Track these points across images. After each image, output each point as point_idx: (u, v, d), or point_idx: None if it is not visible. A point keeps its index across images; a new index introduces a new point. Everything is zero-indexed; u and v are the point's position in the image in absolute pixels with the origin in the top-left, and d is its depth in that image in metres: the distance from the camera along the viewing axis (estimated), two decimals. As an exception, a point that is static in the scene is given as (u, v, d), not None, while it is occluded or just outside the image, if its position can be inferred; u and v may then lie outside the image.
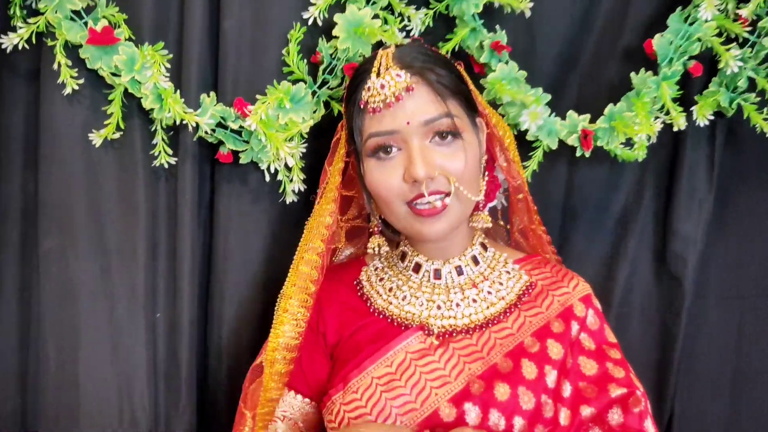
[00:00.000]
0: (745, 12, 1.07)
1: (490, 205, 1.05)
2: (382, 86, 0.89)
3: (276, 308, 1.00)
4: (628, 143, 1.14)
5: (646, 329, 1.26)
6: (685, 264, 1.21)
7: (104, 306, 1.08)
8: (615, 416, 0.92)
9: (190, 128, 1.05)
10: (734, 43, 1.10)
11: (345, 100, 0.97)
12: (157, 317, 1.10)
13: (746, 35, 1.10)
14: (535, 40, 1.16)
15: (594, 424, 0.92)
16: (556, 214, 1.23)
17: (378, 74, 0.91)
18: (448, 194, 0.90)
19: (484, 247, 1.01)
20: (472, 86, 0.98)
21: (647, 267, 1.25)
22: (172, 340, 1.10)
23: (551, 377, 0.92)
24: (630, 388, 0.93)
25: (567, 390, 0.92)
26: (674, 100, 1.12)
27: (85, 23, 1.01)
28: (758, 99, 1.12)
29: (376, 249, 0.99)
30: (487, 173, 1.00)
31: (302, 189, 1.10)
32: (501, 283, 0.99)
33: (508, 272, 1.00)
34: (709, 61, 1.14)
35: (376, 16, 1.04)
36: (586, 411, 0.91)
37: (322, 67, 1.08)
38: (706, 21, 1.07)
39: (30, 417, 1.14)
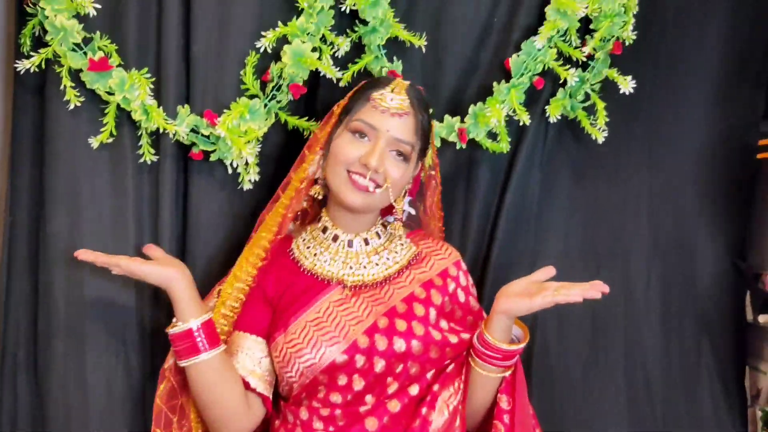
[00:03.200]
0: (587, 48, 1.46)
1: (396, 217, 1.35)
2: (392, 99, 1.25)
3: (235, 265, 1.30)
4: (495, 138, 1.50)
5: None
6: (557, 229, 1.59)
7: (102, 273, 1.28)
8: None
9: (170, 134, 1.32)
10: (578, 68, 1.48)
11: (355, 92, 1.29)
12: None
13: (586, 60, 1.48)
14: (441, 60, 1.49)
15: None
16: (460, 194, 1.54)
17: (393, 91, 1.26)
18: (378, 186, 1.24)
19: (384, 226, 1.36)
20: (432, 141, 1.35)
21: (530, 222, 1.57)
22: (157, 294, 1.35)
23: (433, 315, 1.28)
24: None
25: (444, 324, 1.29)
26: (526, 103, 1.47)
27: (85, 53, 1.26)
28: (588, 106, 1.52)
29: (317, 194, 1.31)
30: (405, 195, 1.34)
31: (256, 179, 1.39)
32: (396, 252, 1.33)
33: (401, 244, 1.35)
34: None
35: (314, 49, 1.35)
36: (455, 339, 1.28)
37: (271, 85, 1.37)
38: (550, 48, 1.44)
39: (42, 337, 1.34)
